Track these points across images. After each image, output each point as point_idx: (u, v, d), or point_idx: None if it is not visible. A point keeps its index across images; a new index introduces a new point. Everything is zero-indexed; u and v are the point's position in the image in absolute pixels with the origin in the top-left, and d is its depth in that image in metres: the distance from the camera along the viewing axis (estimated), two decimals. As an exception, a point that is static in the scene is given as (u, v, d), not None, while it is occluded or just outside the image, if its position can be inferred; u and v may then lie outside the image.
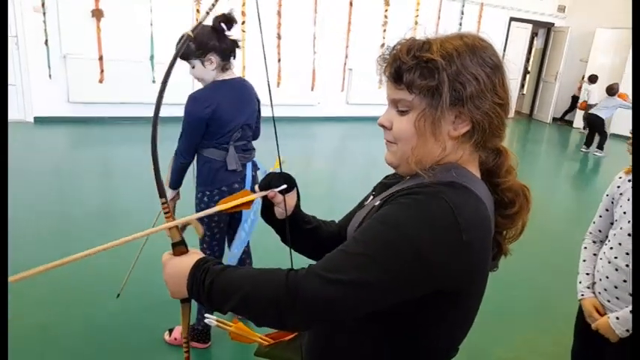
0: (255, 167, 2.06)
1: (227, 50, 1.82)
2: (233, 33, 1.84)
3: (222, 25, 1.77)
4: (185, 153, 1.88)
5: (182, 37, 0.85)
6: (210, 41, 1.77)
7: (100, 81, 6.05)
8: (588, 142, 7.46)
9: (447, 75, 0.66)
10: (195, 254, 0.76)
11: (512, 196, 0.76)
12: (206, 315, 0.87)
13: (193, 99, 1.81)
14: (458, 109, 0.68)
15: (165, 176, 1.97)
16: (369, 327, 0.75)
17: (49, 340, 2.08)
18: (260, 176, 2.07)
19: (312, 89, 7.73)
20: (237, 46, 1.86)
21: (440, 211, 0.63)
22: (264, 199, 0.88)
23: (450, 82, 0.66)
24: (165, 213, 0.78)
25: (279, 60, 7.32)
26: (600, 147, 7.24)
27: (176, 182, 1.95)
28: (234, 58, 1.88)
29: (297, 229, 0.91)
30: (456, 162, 0.72)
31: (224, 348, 2.14)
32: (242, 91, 1.94)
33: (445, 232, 0.62)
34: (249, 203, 0.85)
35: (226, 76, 1.88)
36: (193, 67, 1.82)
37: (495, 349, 2.30)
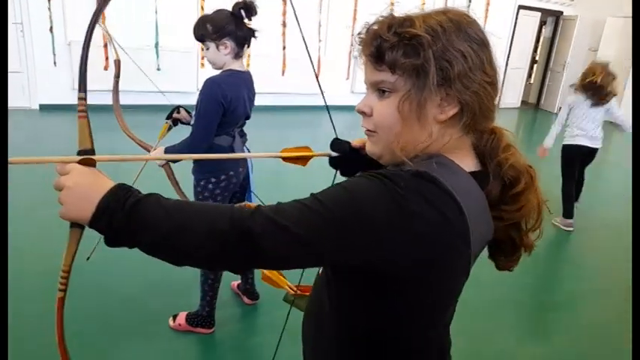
0: (247, 151, 2.11)
1: (243, 38, 1.82)
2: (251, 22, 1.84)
3: (242, 11, 1.78)
4: (202, 141, 1.77)
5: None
6: (228, 26, 1.77)
7: (105, 68, 6.05)
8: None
9: (433, 52, 0.61)
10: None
11: (516, 174, 0.69)
12: None
13: (214, 83, 1.77)
14: (445, 90, 0.63)
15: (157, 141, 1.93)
16: (346, 332, 0.73)
17: (51, 326, 2.11)
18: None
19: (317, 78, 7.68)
20: (254, 36, 1.86)
21: (394, 193, 0.59)
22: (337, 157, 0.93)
23: (436, 60, 0.61)
24: (79, 112, 0.67)
25: (284, 48, 7.27)
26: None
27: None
28: (249, 46, 1.87)
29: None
30: (441, 150, 0.67)
31: (228, 333, 2.16)
32: (250, 84, 1.96)
33: (399, 214, 0.59)
34: (307, 159, 0.87)
35: (239, 66, 1.88)
36: (207, 49, 1.82)
37: (499, 335, 2.31)
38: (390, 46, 0.63)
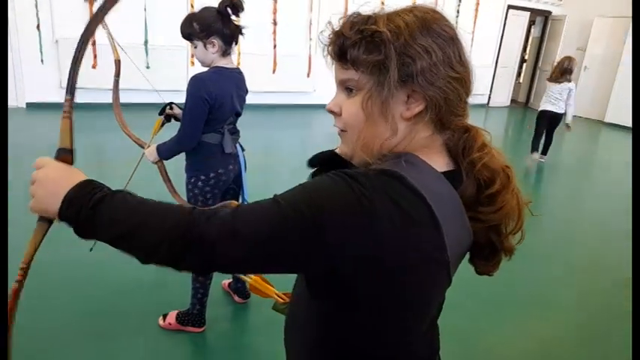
0: (241, 148, 2.10)
1: (230, 36, 1.82)
2: (239, 19, 1.84)
3: (228, 9, 1.78)
4: (190, 138, 1.81)
5: None
6: (215, 24, 1.77)
7: (94, 66, 5.99)
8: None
9: (395, 48, 0.60)
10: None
11: (490, 174, 0.66)
12: None
13: (198, 79, 1.78)
14: (409, 86, 0.62)
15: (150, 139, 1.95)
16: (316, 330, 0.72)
17: (39, 325, 2.09)
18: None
19: (308, 76, 7.68)
20: (241, 33, 1.86)
21: (357, 191, 0.57)
22: None
23: (397, 56, 0.60)
24: (64, 112, 0.69)
25: (274, 46, 7.25)
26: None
27: (167, 155, 1.88)
28: (237, 43, 1.87)
29: None
30: (409, 148, 0.65)
31: (218, 332, 2.16)
32: (239, 82, 1.97)
33: (362, 216, 0.57)
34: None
35: (227, 63, 1.88)
36: (195, 48, 1.83)
37: (488, 335, 2.33)
38: (352, 44, 0.63)
